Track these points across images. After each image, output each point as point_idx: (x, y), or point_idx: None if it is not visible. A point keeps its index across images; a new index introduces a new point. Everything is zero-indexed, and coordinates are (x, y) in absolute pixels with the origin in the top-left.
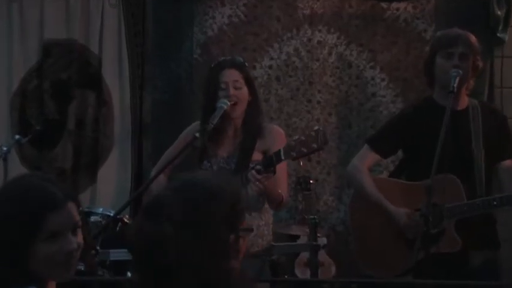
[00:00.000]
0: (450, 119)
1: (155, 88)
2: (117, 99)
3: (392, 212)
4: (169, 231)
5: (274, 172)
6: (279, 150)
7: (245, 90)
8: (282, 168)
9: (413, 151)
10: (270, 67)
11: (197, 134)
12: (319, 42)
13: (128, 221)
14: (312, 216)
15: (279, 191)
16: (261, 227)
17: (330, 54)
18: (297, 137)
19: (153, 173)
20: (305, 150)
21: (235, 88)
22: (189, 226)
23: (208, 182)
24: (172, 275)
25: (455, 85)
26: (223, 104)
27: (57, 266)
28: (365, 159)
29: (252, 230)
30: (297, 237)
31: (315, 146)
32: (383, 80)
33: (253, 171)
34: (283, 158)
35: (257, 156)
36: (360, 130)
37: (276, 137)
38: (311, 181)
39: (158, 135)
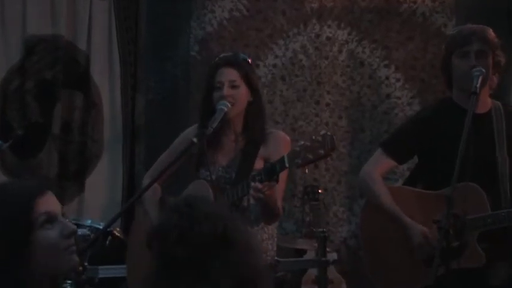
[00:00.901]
0: (472, 123)
1: (149, 89)
2: (107, 101)
3: (408, 226)
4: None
5: (277, 181)
6: (283, 157)
7: (243, 90)
8: (283, 174)
9: (431, 157)
10: (275, 66)
11: (195, 139)
12: (328, 38)
13: (119, 235)
14: (320, 229)
15: (278, 203)
16: (264, 241)
17: (340, 51)
18: (302, 142)
19: (145, 181)
20: (311, 157)
21: (232, 88)
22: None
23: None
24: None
25: (477, 85)
26: (224, 105)
27: (61, 253)
28: (378, 164)
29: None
30: (304, 252)
31: (321, 152)
32: (398, 80)
33: (257, 182)
34: (287, 165)
35: (259, 164)
36: (372, 135)
37: (281, 143)
38: (319, 190)
39: (152, 140)
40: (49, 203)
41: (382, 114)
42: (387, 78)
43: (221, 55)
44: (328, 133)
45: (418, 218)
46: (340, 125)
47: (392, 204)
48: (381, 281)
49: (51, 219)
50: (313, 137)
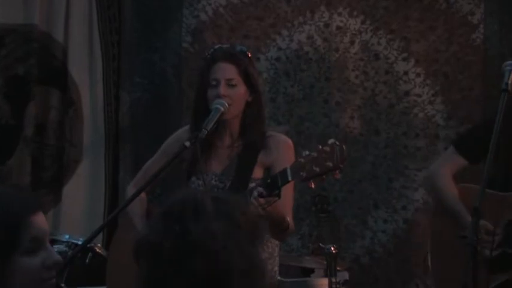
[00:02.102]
0: None
1: (134, 85)
2: (87, 99)
3: (466, 225)
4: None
5: (279, 196)
6: (285, 170)
7: (242, 88)
8: (288, 189)
9: (509, 158)
10: (278, 59)
11: (187, 143)
12: (338, 28)
13: (100, 251)
14: (329, 245)
15: (285, 216)
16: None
17: (352, 43)
18: (307, 152)
19: (130, 190)
20: (317, 170)
21: (229, 86)
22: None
23: (226, 207)
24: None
25: (509, 81)
26: (220, 105)
27: (39, 284)
28: (448, 162)
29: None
30: (311, 271)
31: (330, 164)
32: (418, 75)
33: (256, 197)
34: (290, 179)
35: (258, 172)
36: (389, 138)
37: (283, 149)
38: (329, 201)
39: (138, 143)
40: (38, 225)
41: (400, 115)
42: (406, 73)
43: (216, 46)
44: (337, 142)
45: (492, 221)
46: (352, 127)
47: (458, 203)
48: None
49: (37, 245)
50: (320, 147)
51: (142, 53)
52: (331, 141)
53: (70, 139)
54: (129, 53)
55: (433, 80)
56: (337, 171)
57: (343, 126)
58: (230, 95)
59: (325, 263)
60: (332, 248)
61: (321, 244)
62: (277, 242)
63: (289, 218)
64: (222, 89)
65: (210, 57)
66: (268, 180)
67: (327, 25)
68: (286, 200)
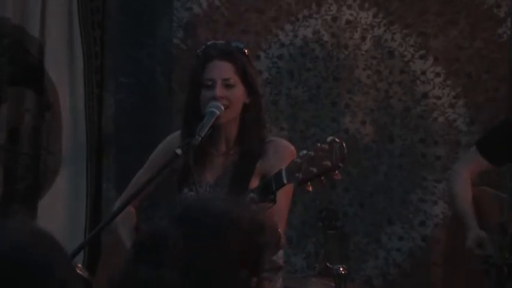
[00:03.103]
0: None
1: (119, 86)
2: (66, 102)
3: (468, 228)
4: (172, 279)
5: (275, 201)
6: (280, 172)
7: (239, 89)
8: (283, 193)
9: None
10: (280, 57)
11: (178, 151)
12: (348, 22)
13: (81, 272)
14: (338, 266)
15: (277, 227)
16: None
17: (363, 38)
18: (304, 152)
19: (117, 205)
20: (315, 171)
21: (226, 86)
22: (196, 271)
23: (221, 208)
24: None
25: None
26: (215, 108)
27: None
28: (470, 164)
29: (280, 267)
30: None
31: (328, 163)
32: (438, 74)
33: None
34: (285, 181)
35: (256, 182)
36: (405, 145)
37: (283, 155)
38: (338, 216)
39: (124, 152)
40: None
41: (417, 119)
42: (423, 72)
43: (210, 43)
44: (337, 139)
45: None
46: (363, 133)
47: (466, 205)
48: None
49: None
50: (318, 145)
51: (128, 50)
52: (330, 138)
53: (47, 147)
54: (113, 50)
55: (454, 80)
56: (336, 172)
57: (354, 132)
58: (227, 97)
59: (333, 285)
60: (341, 269)
61: (328, 264)
62: (280, 262)
63: (281, 229)
64: (219, 90)
65: (204, 55)
66: (262, 184)
67: (335, 19)
68: (281, 207)
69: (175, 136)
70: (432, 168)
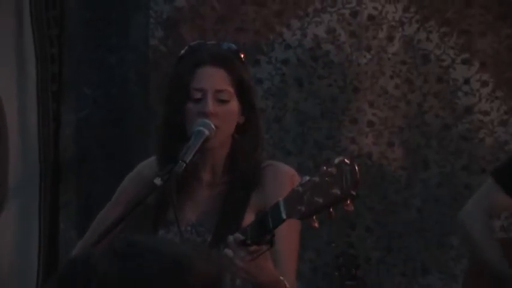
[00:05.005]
0: None
1: (82, 99)
2: (15, 120)
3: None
4: None
5: (272, 243)
6: (277, 204)
7: (234, 105)
8: (287, 232)
9: None
10: (285, 62)
11: (157, 181)
12: (371, 18)
13: None
14: None
15: (279, 279)
16: None
17: (390, 39)
18: (306, 178)
19: (78, 248)
20: (321, 201)
21: (218, 101)
22: None
23: (173, 250)
24: None
25: None
26: (204, 127)
27: None
28: (486, 200)
29: None
30: None
31: (337, 192)
32: (485, 84)
33: (231, 246)
34: (284, 216)
35: (251, 219)
36: (443, 173)
37: (282, 182)
38: (358, 263)
39: (87, 181)
40: None
41: (459, 140)
42: (467, 81)
43: (195, 43)
44: (346, 161)
45: None
46: (391, 158)
47: (501, 260)
48: None
49: None
50: (324, 168)
51: (93, 53)
52: (338, 160)
53: None
54: (74, 54)
55: (505, 91)
56: (348, 201)
57: (378, 157)
58: (219, 114)
59: None
60: None
61: None
62: None
63: (290, 281)
64: (211, 104)
65: (192, 57)
66: (255, 221)
67: (354, 13)
68: (285, 251)
69: (147, 164)
70: None
